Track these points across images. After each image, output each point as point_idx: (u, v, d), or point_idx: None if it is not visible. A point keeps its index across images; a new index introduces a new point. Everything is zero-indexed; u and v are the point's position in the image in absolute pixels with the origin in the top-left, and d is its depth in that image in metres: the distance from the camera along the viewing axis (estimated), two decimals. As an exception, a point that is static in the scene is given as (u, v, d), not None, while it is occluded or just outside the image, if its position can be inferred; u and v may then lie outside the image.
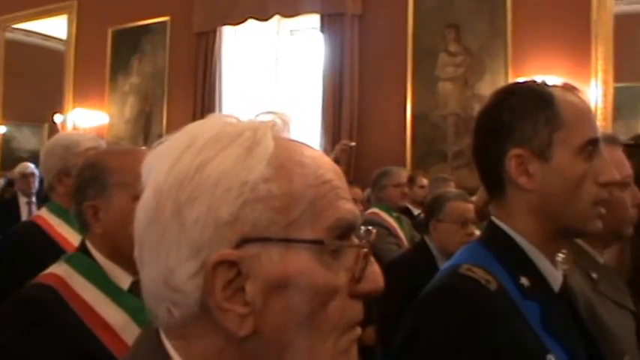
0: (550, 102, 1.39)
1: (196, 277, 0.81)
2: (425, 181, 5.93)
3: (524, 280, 1.34)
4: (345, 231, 0.85)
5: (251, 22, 8.72)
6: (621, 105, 10.71)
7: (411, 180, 5.96)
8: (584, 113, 1.42)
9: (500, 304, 1.27)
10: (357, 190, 5.19)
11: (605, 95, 6.95)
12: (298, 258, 0.81)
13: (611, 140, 2.04)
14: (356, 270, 0.85)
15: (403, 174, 5.69)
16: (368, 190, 5.97)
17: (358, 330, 0.86)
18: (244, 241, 0.80)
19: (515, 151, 1.38)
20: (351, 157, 7.53)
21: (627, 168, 2.04)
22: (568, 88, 1.45)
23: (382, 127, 7.76)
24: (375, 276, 0.86)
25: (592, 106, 6.85)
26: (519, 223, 1.40)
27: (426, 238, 4.05)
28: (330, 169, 0.87)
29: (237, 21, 8.76)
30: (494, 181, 1.43)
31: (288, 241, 0.80)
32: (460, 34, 7.41)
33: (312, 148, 0.89)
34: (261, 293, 0.81)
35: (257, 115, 0.90)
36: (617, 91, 9.99)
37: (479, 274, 1.30)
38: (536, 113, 1.39)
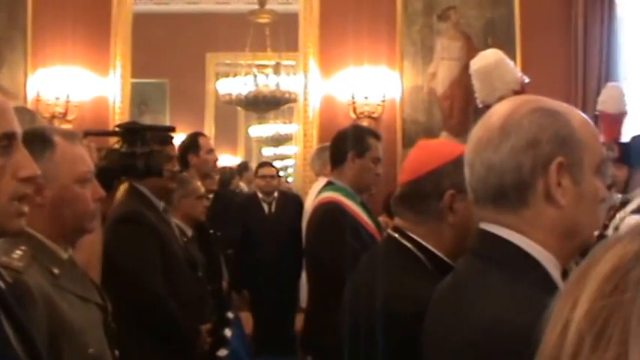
0: None
1: None
2: None
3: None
4: None
5: None
6: (149, 99, 11.21)
7: None
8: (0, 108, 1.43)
9: None
10: None
11: (123, 89, 7.17)
12: None
13: (70, 137, 2.12)
14: None
15: None
16: None
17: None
18: None
19: None
20: None
21: (88, 163, 2.13)
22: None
23: None
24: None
25: (111, 99, 7.03)
26: None
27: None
28: None
29: None
30: None
31: None
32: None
33: None
34: None
35: None
36: (144, 86, 10.42)
37: None
38: None
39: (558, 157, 1.37)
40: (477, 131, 1.47)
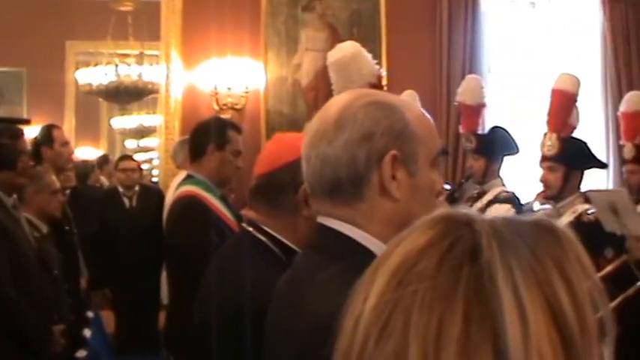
0: None
1: None
2: None
3: None
4: None
5: None
6: (4, 89, 10.79)
7: None
8: None
9: None
10: None
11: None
12: None
13: None
14: None
15: None
16: None
17: None
18: None
19: None
20: None
21: None
22: None
23: None
24: None
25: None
26: None
27: None
28: None
29: None
30: None
31: None
32: None
33: None
34: None
35: None
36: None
37: None
38: None
39: (392, 150, 1.40)
40: (314, 124, 1.48)
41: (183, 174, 4.39)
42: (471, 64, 7.25)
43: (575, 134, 5.18)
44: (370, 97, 1.47)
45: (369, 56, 3.24)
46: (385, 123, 1.41)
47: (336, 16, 7.24)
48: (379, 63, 6.87)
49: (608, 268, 3.45)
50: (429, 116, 1.55)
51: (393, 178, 1.41)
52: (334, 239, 1.44)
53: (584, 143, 4.45)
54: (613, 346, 0.80)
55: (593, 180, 6.15)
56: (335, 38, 6.92)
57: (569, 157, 4.24)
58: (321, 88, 6.89)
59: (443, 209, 0.83)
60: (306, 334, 1.32)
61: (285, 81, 7.08)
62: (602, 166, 4.50)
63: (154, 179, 9.59)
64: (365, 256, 1.37)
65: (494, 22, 7.72)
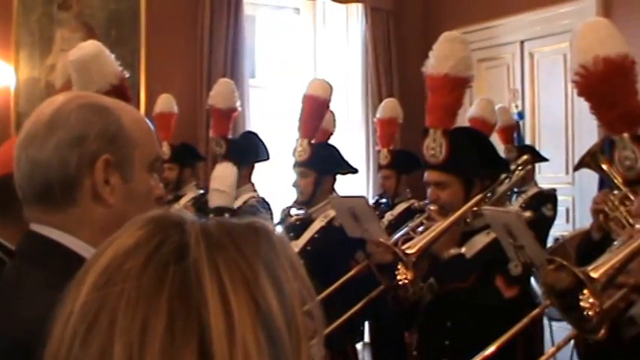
0: None
1: None
2: None
3: None
4: None
5: None
6: None
7: None
8: None
9: None
10: None
11: None
12: None
13: None
14: None
15: None
16: None
17: None
18: None
19: None
20: None
21: None
22: None
23: None
24: None
25: None
26: None
27: None
28: None
29: None
30: None
31: None
32: None
33: None
34: None
35: None
36: None
37: None
38: None
39: (105, 154, 1.39)
40: (26, 125, 1.43)
41: None
42: (232, 68, 7.34)
43: (335, 140, 5.40)
44: (85, 99, 1.45)
45: (112, 56, 3.21)
46: (98, 126, 1.40)
47: (94, 16, 7.07)
48: (136, 65, 6.85)
49: (352, 272, 3.61)
50: (147, 120, 1.55)
51: (107, 182, 1.39)
52: (43, 247, 1.40)
53: (335, 148, 4.62)
54: (323, 344, 0.85)
55: (353, 186, 6.45)
56: (92, 39, 6.75)
57: (320, 163, 4.38)
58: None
59: (156, 210, 0.84)
60: (11, 342, 1.27)
61: (37, 82, 6.81)
62: (353, 171, 4.69)
63: None
64: (75, 262, 1.33)
65: (259, 27, 7.89)
